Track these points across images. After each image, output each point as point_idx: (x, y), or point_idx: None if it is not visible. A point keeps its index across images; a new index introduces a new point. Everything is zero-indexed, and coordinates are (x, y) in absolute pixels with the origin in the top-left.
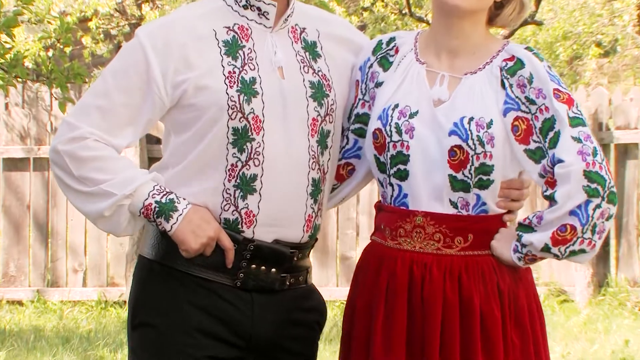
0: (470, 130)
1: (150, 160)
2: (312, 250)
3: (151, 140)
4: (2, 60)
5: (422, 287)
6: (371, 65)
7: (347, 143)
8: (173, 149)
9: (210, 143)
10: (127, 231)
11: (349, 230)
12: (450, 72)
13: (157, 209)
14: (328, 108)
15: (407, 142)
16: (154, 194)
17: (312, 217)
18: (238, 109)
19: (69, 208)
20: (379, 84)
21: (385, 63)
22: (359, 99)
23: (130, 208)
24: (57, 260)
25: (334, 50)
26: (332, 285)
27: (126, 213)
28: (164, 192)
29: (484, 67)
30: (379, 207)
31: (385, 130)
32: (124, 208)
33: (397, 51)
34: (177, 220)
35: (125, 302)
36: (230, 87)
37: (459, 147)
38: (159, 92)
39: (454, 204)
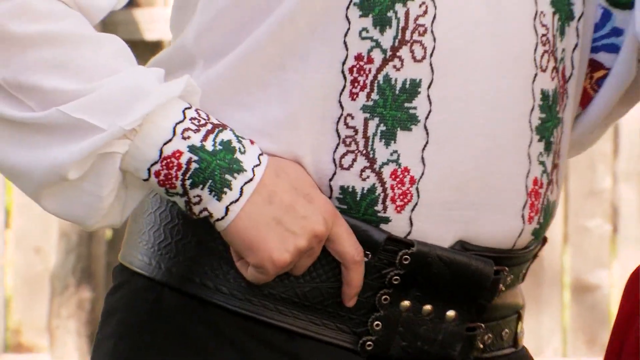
0: None
1: (152, 58)
2: None
3: None
4: None
5: None
6: None
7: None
8: (209, 20)
9: (307, 3)
10: (109, 219)
11: (593, 222)
12: None
13: (195, 165)
14: None
15: None
16: (187, 129)
17: (541, 184)
18: None
19: None
20: None
21: None
22: None
23: (126, 162)
24: None
25: None
26: (552, 354)
27: (116, 174)
28: (209, 126)
29: None
30: None
31: None
32: (112, 162)
33: None
34: (241, 193)
35: None
36: None
37: None
38: None
39: None
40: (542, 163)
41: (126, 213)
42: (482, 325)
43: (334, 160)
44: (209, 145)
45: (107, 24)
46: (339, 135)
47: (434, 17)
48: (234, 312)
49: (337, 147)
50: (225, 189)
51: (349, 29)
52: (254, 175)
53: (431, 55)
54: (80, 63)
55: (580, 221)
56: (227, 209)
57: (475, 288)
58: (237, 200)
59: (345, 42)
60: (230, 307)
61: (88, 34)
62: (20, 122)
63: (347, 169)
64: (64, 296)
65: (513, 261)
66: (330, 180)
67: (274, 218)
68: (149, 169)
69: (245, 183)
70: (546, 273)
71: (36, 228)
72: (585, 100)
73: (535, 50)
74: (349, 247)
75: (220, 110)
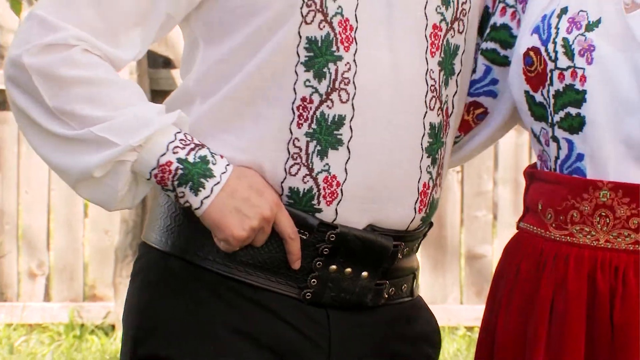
0: None
1: (155, 94)
2: (421, 247)
3: (156, 62)
4: None
5: (612, 307)
6: None
7: (474, 71)
8: (205, 69)
9: (269, 60)
10: (124, 202)
11: (480, 212)
12: None
13: (180, 171)
14: (458, 9)
15: (583, 69)
16: (176, 147)
17: (428, 186)
18: (317, 7)
19: (21, 173)
20: None
21: None
22: (499, 2)
23: (135, 167)
24: (2, 257)
25: None
26: (452, 302)
27: (127, 174)
28: (192, 145)
29: None
30: (532, 174)
31: (547, 50)
32: (124, 166)
33: None
34: (211, 191)
35: (113, 326)
36: None
37: None
38: None
39: None
40: (429, 172)
41: (136, 200)
42: (387, 281)
43: (285, 169)
44: (191, 158)
45: (153, 78)
46: (289, 152)
47: (355, 73)
48: (217, 273)
49: (287, 160)
50: (201, 188)
51: (297, 79)
52: (221, 179)
53: (353, 98)
54: (106, 98)
55: (472, 212)
56: (201, 201)
57: (380, 256)
58: (208, 196)
59: (294, 89)
60: (214, 269)
61: (114, 79)
62: (64, 136)
63: (294, 175)
64: (124, 263)
65: (407, 238)
66: (282, 182)
67: (234, 207)
68: (150, 172)
69: (215, 184)
70: (449, 246)
71: (105, 217)
72: (466, 127)
73: (426, 95)
74: (287, 228)
75: (211, 132)
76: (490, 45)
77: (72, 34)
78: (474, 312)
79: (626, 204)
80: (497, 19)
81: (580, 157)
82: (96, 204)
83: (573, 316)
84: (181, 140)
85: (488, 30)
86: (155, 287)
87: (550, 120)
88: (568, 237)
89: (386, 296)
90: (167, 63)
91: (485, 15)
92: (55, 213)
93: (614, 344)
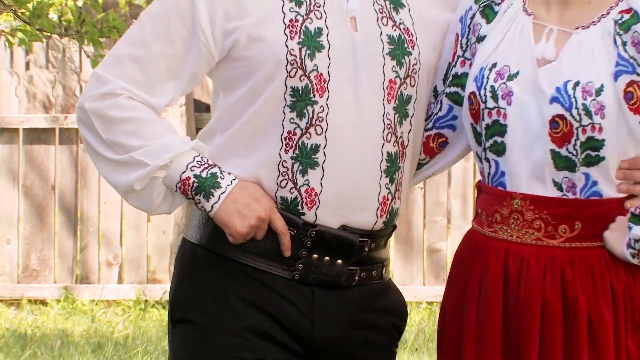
0: (575, 98)
1: (199, 131)
2: (394, 243)
3: (200, 108)
4: (23, 10)
5: (518, 285)
6: (473, 16)
7: (440, 109)
8: (222, 111)
9: (264, 105)
10: (162, 209)
11: (438, 217)
12: (560, 25)
13: (195, 184)
14: (409, 69)
15: (504, 109)
16: (194, 166)
17: (387, 199)
18: (298, 64)
19: (101, 189)
20: (480, 38)
21: (489, 13)
22: (458, 57)
23: (165, 181)
24: (87, 251)
25: (422, 1)
26: (417, 284)
27: (160, 187)
28: (206, 165)
29: (599, 21)
30: (478, 186)
31: (480, 94)
32: (157, 181)
33: None
34: (218, 199)
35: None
36: (291, 38)
37: (562, 117)
38: (206, 41)
39: (558, 185)
40: (388, 188)
41: (173, 207)
42: (358, 268)
43: (276, 183)
44: (204, 174)
45: (198, 120)
46: (279, 171)
47: (327, 113)
48: (232, 259)
49: (278, 177)
50: (211, 197)
51: (284, 117)
52: (226, 190)
53: (326, 131)
54: (143, 132)
55: (432, 217)
56: (212, 206)
57: (349, 248)
58: (216, 202)
59: (282, 124)
60: (229, 257)
61: (150, 117)
62: (114, 160)
63: (283, 188)
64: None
65: (372, 236)
66: (275, 193)
67: (237, 210)
68: (176, 185)
69: (221, 193)
70: (415, 243)
71: (163, 221)
72: (432, 152)
73: (383, 131)
74: (279, 225)
75: (225, 157)
76: (453, 89)
77: (119, 85)
78: (433, 291)
79: (532, 210)
80: (458, 69)
81: (503, 174)
82: (140, 209)
83: (492, 292)
84: (198, 161)
85: (451, 78)
86: (187, 270)
87: (483, 146)
88: (493, 234)
89: (357, 279)
90: (209, 108)
91: (448, 67)
92: (126, 218)
93: (519, 311)
